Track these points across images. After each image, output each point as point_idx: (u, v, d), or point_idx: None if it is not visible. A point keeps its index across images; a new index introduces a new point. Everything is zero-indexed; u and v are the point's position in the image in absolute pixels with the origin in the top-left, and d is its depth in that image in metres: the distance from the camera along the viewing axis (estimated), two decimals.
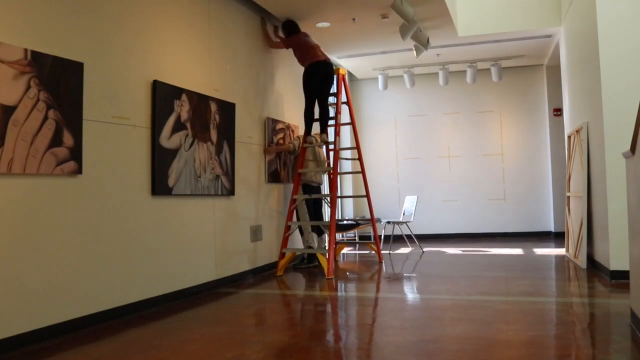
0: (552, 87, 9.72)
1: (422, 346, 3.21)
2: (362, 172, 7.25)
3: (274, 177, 6.66)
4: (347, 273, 6.49)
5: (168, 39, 4.84)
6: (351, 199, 10.29)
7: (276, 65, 6.98)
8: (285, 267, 6.36)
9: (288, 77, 7.29)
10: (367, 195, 7.27)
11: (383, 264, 6.94)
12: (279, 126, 6.84)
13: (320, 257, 6.09)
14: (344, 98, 6.94)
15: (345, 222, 8.79)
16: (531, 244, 8.73)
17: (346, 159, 8.15)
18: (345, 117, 7.83)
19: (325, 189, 8.50)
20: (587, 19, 5.72)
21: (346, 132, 9.52)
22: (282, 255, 6.26)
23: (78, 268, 3.76)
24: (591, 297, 4.62)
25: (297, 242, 7.01)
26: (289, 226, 6.38)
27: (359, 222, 8.78)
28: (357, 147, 7.14)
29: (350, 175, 10.01)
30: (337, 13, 6.71)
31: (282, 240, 6.37)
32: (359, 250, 8.91)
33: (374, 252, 7.59)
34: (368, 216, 10.33)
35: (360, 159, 7.17)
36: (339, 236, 9.14)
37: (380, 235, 8.97)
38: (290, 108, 7.31)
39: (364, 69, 9.97)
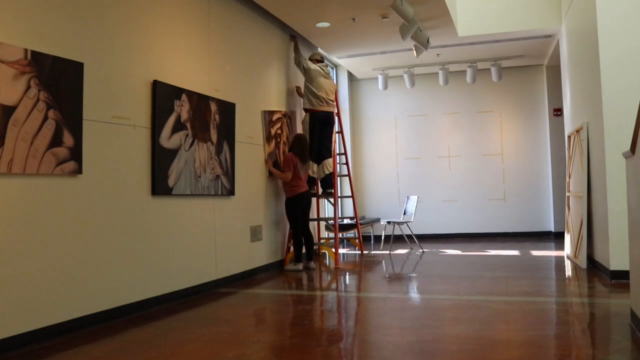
0: (552, 87, 9.72)
1: (422, 346, 3.21)
2: (349, 174, 8.30)
3: (274, 167, 6.65)
4: (343, 272, 6.49)
5: (168, 39, 4.84)
6: (339, 200, 10.38)
7: (276, 65, 6.98)
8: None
9: (288, 77, 7.29)
10: (352, 196, 8.20)
11: (382, 261, 6.95)
12: (275, 116, 6.83)
13: (328, 249, 7.32)
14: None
15: (345, 221, 8.80)
16: (531, 243, 8.73)
17: (339, 163, 8.70)
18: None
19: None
20: (587, 19, 5.72)
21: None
22: (288, 249, 6.89)
23: (78, 268, 3.76)
24: (591, 297, 4.62)
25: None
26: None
27: (360, 222, 8.78)
28: (345, 153, 8.23)
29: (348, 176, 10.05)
30: (337, 13, 6.71)
31: (287, 237, 6.96)
32: (349, 250, 8.90)
33: (372, 251, 7.66)
34: (369, 216, 10.37)
35: (347, 163, 8.24)
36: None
37: (381, 235, 8.98)
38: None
39: (364, 69, 9.97)
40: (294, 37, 7.35)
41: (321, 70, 7.10)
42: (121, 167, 4.21)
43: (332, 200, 7.20)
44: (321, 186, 7.19)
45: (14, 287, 3.30)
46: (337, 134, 7.96)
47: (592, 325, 3.71)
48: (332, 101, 7.20)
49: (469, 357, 2.96)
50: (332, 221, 7.01)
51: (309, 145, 6.76)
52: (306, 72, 7.05)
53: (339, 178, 10.10)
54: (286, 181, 6.46)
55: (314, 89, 7.00)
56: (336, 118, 7.52)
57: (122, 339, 3.59)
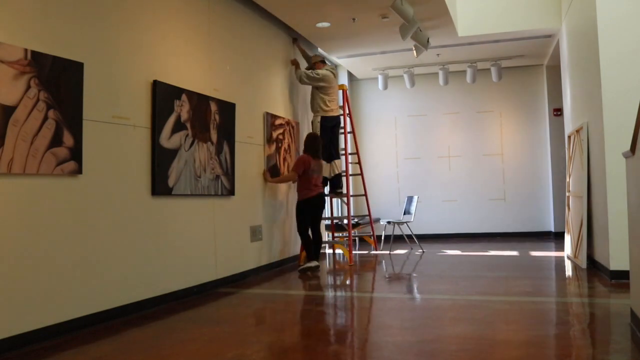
0: (552, 87, 9.71)
1: (422, 346, 3.21)
2: (361, 174, 8.44)
3: (273, 172, 6.66)
4: (343, 272, 6.49)
5: (168, 39, 4.84)
6: (351, 200, 10.27)
7: (276, 65, 6.98)
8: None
9: (288, 76, 7.30)
10: (365, 195, 8.45)
11: (382, 261, 6.95)
12: (278, 122, 6.84)
13: (342, 247, 7.51)
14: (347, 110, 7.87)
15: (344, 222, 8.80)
16: (531, 243, 8.73)
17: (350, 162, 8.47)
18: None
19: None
20: (587, 18, 5.72)
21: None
22: (302, 249, 6.97)
23: (78, 268, 3.76)
24: (591, 297, 4.62)
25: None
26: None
27: (359, 222, 8.78)
28: (357, 153, 8.31)
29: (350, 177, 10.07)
30: (337, 13, 6.71)
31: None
32: (358, 250, 8.91)
33: (372, 251, 7.75)
34: (366, 215, 10.35)
35: (359, 162, 8.38)
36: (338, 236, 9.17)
37: (380, 235, 8.99)
38: (290, 105, 7.31)
39: (364, 69, 9.97)
40: (296, 40, 7.38)
41: (331, 74, 7.14)
42: (121, 167, 4.21)
43: (345, 199, 7.51)
44: (330, 186, 7.42)
45: (14, 287, 3.30)
46: (349, 134, 7.97)
47: (592, 325, 3.71)
48: (339, 104, 7.40)
49: (469, 357, 2.96)
50: (340, 220, 7.64)
51: (321, 145, 6.67)
52: (318, 80, 7.02)
53: (351, 177, 10.18)
54: (299, 183, 6.38)
55: (326, 98, 7.08)
56: (341, 118, 7.59)
57: (122, 339, 3.59)
